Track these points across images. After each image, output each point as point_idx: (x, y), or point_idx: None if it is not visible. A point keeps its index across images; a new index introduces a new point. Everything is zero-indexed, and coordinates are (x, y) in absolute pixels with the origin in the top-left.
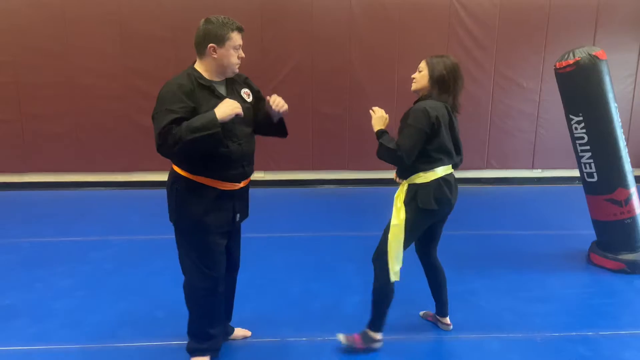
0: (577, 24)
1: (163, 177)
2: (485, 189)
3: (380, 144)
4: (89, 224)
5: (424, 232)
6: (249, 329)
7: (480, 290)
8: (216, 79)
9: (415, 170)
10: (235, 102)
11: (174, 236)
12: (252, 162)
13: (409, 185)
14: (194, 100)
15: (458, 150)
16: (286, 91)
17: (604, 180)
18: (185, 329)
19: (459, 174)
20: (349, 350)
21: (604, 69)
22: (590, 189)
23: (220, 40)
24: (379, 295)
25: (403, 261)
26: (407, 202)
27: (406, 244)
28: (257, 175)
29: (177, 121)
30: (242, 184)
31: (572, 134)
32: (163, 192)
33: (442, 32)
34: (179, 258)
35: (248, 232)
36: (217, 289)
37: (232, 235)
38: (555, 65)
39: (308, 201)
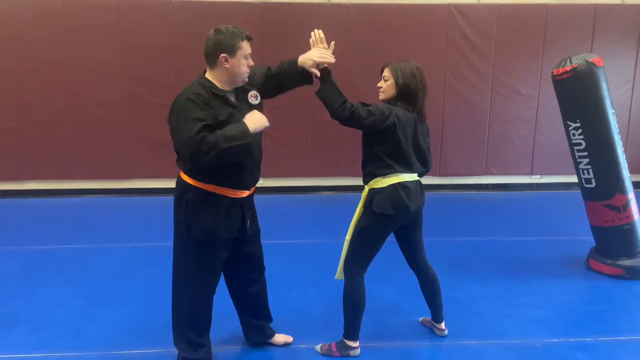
0: (575, 31)
1: (163, 184)
2: (484, 195)
3: (331, 83)
4: (88, 232)
5: (402, 242)
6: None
7: (480, 297)
8: (227, 89)
9: (374, 176)
10: (263, 116)
11: (172, 243)
12: (260, 169)
13: (369, 190)
14: (212, 109)
15: (424, 162)
16: (285, 98)
17: (602, 186)
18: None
19: (458, 180)
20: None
21: (601, 76)
22: (588, 195)
23: (232, 50)
24: (348, 302)
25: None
26: (366, 207)
27: (371, 251)
28: None
29: (206, 128)
30: (250, 191)
31: (569, 140)
32: (163, 199)
33: (440, 38)
34: (174, 265)
35: None
36: (209, 299)
37: (249, 240)
38: (552, 72)
39: (307, 208)
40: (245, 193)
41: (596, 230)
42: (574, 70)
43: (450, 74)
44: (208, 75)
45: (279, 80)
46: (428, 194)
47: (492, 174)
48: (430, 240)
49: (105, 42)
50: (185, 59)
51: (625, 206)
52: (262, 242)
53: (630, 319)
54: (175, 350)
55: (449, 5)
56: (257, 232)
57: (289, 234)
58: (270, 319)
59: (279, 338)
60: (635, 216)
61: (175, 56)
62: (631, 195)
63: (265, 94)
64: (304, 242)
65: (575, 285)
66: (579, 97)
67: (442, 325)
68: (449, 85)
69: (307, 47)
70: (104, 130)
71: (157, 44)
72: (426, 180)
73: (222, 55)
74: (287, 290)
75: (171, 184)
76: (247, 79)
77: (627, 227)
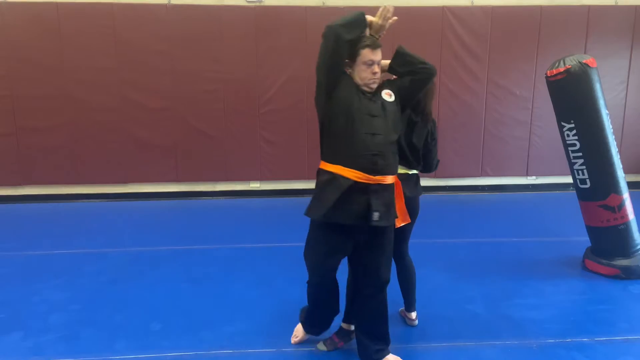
0: (569, 32)
1: (158, 188)
2: (480, 196)
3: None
4: (84, 237)
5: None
6: (246, 340)
7: (476, 298)
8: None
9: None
10: None
11: (169, 248)
12: (386, 159)
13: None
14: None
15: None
16: (281, 101)
17: (597, 186)
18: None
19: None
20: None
21: (595, 77)
22: (583, 195)
23: (352, 56)
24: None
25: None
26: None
27: None
28: (252, 185)
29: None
30: (376, 178)
31: (564, 141)
32: (158, 204)
33: (435, 41)
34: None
35: (245, 243)
36: (324, 285)
37: (370, 243)
38: (546, 73)
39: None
40: (369, 178)
41: (591, 231)
42: (567, 71)
43: (445, 76)
44: None
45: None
46: (423, 196)
47: (487, 175)
48: (426, 241)
49: (99, 47)
50: (180, 63)
51: (620, 206)
52: (259, 245)
53: (627, 318)
54: (170, 355)
55: (443, 8)
56: (381, 240)
57: (286, 237)
58: (387, 342)
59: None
60: (630, 216)
61: (170, 60)
62: (626, 195)
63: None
64: (301, 245)
65: (571, 285)
66: (572, 98)
67: (413, 315)
68: (444, 87)
69: (302, 50)
70: (99, 135)
71: (152, 49)
72: (422, 182)
73: (346, 60)
74: (283, 294)
75: (166, 188)
76: (373, 86)
77: (622, 227)
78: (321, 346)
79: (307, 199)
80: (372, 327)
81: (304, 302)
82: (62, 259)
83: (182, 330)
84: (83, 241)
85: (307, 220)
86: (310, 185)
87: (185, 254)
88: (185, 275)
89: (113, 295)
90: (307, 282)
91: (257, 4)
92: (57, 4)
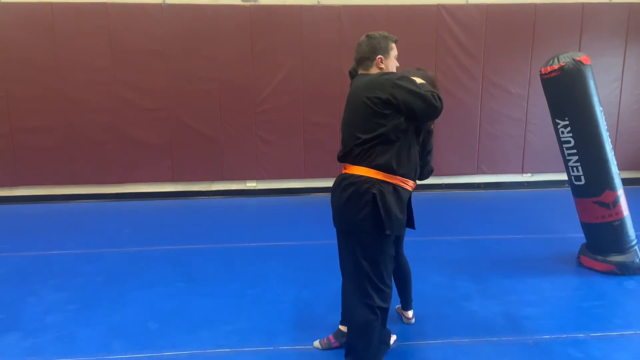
0: (563, 29)
1: (154, 188)
2: (476, 194)
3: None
4: (80, 237)
5: None
6: (242, 340)
7: (473, 295)
8: None
9: None
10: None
11: (165, 247)
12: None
13: None
14: None
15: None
16: (277, 100)
17: (592, 183)
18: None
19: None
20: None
21: (589, 74)
22: (578, 192)
23: (386, 51)
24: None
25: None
26: None
27: None
28: (249, 185)
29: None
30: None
31: (558, 138)
32: (154, 204)
33: (430, 39)
34: (349, 278)
35: (242, 242)
36: (389, 306)
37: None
38: (540, 71)
39: (300, 209)
40: (414, 186)
41: (586, 227)
42: (561, 68)
43: (441, 74)
44: None
45: None
46: (420, 194)
47: (483, 172)
48: (422, 239)
49: (94, 47)
50: (176, 63)
51: (615, 202)
52: (254, 244)
53: (622, 314)
54: (167, 354)
55: (438, 6)
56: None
57: (282, 236)
58: (349, 353)
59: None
60: (625, 212)
61: (165, 60)
62: (620, 192)
63: None
64: (297, 244)
65: (566, 281)
66: (566, 95)
67: (409, 313)
68: (439, 86)
69: (297, 49)
70: (94, 135)
71: (147, 48)
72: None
73: (379, 56)
74: (279, 293)
75: (162, 188)
76: None
77: (616, 223)
78: (317, 344)
79: (304, 198)
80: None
81: (301, 301)
82: (58, 259)
83: (179, 329)
84: (79, 242)
85: (304, 218)
86: (307, 184)
87: (181, 254)
88: (182, 274)
89: (110, 295)
90: (379, 309)
91: (252, 3)
92: (51, 3)
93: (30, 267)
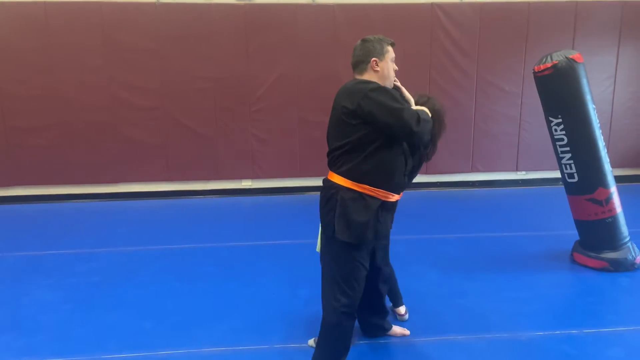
0: (557, 28)
1: (149, 187)
2: (471, 192)
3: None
4: (75, 237)
5: None
6: (238, 339)
7: (467, 292)
8: None
9: None
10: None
11: (160, 247)
12: (411, 174)
13: None
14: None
15: None
16: (272, 99)
17: (585, 180)
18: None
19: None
20: None
21: (581, 72)
22: (571, 190)
23: (381, 54)
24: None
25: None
26: None
27: None
28: (244, 184)
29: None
30: (400, 195)
31: (552, 135)
32: (149, 203)
33: (425, 38)
34: (323, 278)
35: (237, 241)
36: (354, 312)
37: (381, 247)
38: (533, 69)
39: (295, 208)
40: (396, 197)
41: (580, 224)
42: (554, 66)
43: (436, 72)
44: None
45: None
46: (415, 192)
47: (478, 171)
48: (417, 237)
49: (88, 46)
50: (170, 62)
51: (608, 200)
52: (250, 243)
53: (614, 310)
54: (162, 353)
55: (432, 5)
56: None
57: (277, 234)
58: (387, 313)
59: (397, 330)
60: (618, 209)
61: (159, 59)
62: (613, 189)
63: None
64: (292, 243)
65: (560, 278)
66: (559, 93)
67: (401, 309)
68: (434, 84)
69: (292, 48)
70: (88, 135)
71: (141, 47)
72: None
73: (373, 59)
74: (274, 292)
75: (157, 187)
76: (394, 82)
77: (609, 220)
78: (311, 343)
79: (299, 197)
80: (381, 305)
81: (295, 300)
82: (53, 259)
83: (174, 328)
84: (74, 241)
85: (300, 217)
86: (302, 182)
87: (176, 253)
88: (177, 274)
89: (104, 295)
90: (343, 314)
91: (247, 1)
92: (44, 2)
93: (24, 267)
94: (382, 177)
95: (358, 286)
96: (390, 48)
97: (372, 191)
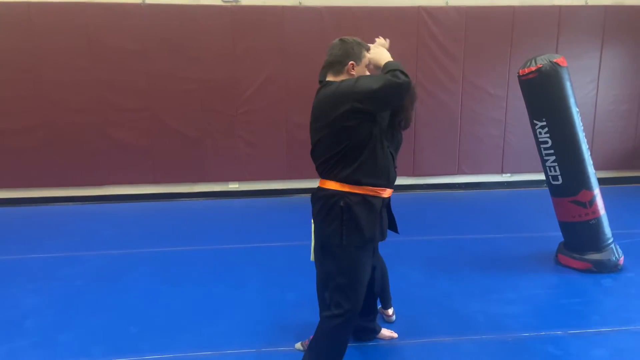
0: (541, 32)
1: (135, 190)
2: (456, 194)
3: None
4: (59, 240)
5: None
6: (225, 342)
7: (454, 294)
8: None
9: None
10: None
11: (146, 250)
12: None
13: None
14: None
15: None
16: (259, 102)
17: (568, 182)
18: (158, 342)
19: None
20: None
21: (565, 75)
22: (555, 192)
23: (358, 58)
24: None
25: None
26: None
27: None
28: (231, 186)
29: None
30: (392, 190)
31: (536, 138)
32: (135, 205)
33: (411, 41)
34: (331, 284)
35: (224, 244)
36: (356, 316)
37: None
38: (518, 72)
39: (283, 211)
40: (390, 192)
41: (564, 226)
42: (538, 70)
43: (422, 75)
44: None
45: None
46: (401, 194)
47: (464, 173)
48: (403, 239)
49: (73, 47)
50: (156, 63)
51: (591, 202)
52: (238, 245)
53: (598, 311)
54: (148, 358)
55: (418, 8)
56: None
57: (265, 237)
58: (377, 314)
59: (386, 333)
60: (601, 211)
61: (145, 60)
62: (596, 191)
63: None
64: (280, 245)
65: (545, 280)
66: (544, 96)
67: (389, 311)
68: (420, 87)
69: (279, 50)
70: (74, 137)
71: (126, 48)
72: (400, 180)
73: (351, 62)
74: (263, 295)
75: (143, 189)
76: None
77: (593, 222)
78: (299, 346)
79: (287, 199)
80: (371, 308)
81: (284, 302)
82: (37, 263)
83: (161, 332)
84: (58, 245)
85: (287, 219)
86: (289, 185)
87: (163, 256)
88: (163, 277)
89: (89, 299)
90: (344, 319)
91: (234, 3)
92: (28, 3)
93: (7, 270)
94: (380, 174)
95: (362, 289)
96: (366, 54)
97: (373, 191)
